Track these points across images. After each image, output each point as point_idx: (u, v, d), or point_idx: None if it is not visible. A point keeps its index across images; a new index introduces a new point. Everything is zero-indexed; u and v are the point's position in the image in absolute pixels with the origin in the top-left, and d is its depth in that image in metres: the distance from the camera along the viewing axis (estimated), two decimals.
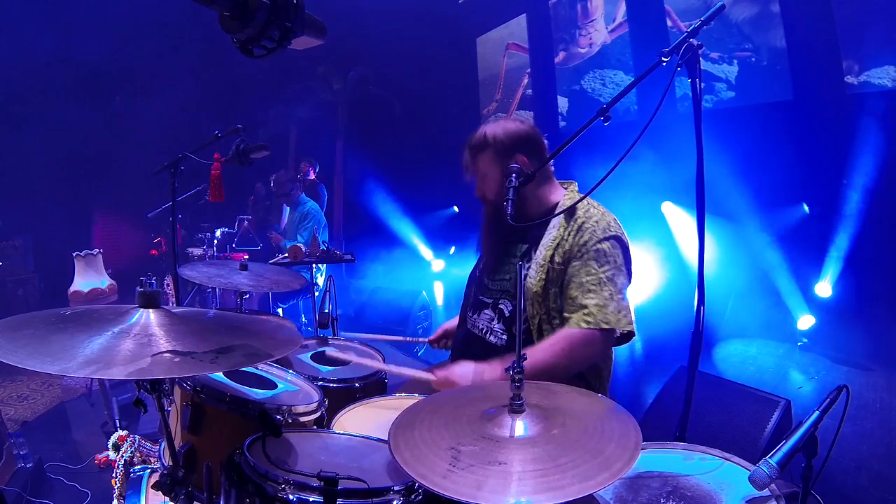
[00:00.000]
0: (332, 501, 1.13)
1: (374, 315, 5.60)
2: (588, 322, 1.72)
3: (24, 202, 6.75)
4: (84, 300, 4.13)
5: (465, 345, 2.03)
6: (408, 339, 2.53)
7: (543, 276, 1.81)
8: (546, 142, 1.97)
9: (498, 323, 1.92)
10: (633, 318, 1.77)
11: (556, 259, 1.80)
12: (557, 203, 1.93)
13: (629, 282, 1.83)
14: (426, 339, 2.40)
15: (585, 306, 1.73)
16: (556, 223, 1.86)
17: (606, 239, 1.78)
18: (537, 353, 1.69)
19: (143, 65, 7.07)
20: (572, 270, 1.78)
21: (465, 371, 1.75)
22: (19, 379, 4.53)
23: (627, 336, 1.80)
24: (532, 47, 6.30)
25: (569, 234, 1.81)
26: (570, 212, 1.85)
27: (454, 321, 2.29)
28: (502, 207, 1.77)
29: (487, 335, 1.94)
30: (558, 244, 1.81)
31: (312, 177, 6.32)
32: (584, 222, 1.82)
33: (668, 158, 3.68)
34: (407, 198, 7.21)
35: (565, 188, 2.00)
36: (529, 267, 1.85)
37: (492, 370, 1.72)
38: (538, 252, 1.85)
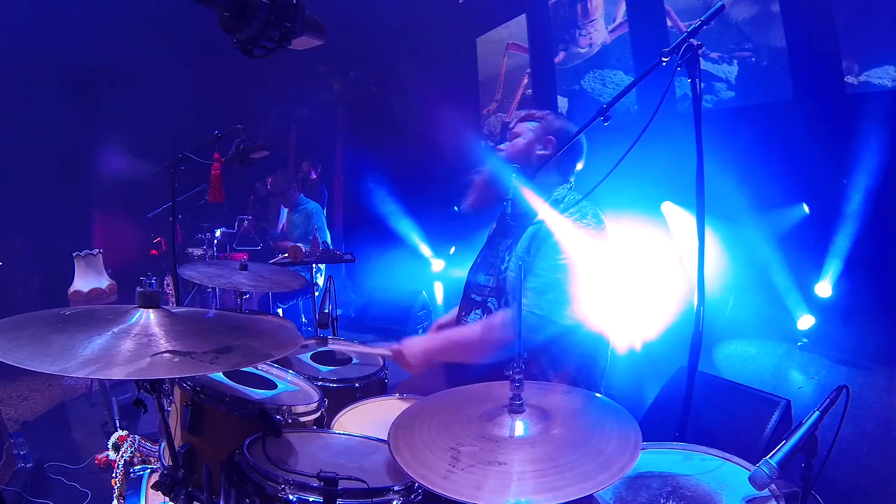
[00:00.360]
0: (331, 501, 1.13)
1: (374, 315, 5.60)
2: (524, 304, 1.70)
3: (24, 202, 6.74)
4: (84, 300, 4.13)
5: None
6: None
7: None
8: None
9: None
10: (587, 313, 1.75)
11: (532, 250, 1.81)
12: (550, 198, 1.93)
13: (600, 278, 1.79)
14: None
15: (527, 289, 1.73)
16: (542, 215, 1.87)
17: (579, 228, 1.78)
18: (458, 330, 1.82)
19: (143, 64, 7.06)
20: (538, 255, 1.79)
21: (410, 343, 1.91)
22: (19, 379, 4.52)
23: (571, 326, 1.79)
24: (532, 47, 6.30)
25: (546, 225, 1.82)
26: (555, 202, 1.87)
27: (447, 317, 2.31)
28: (495, 199, 1.85)
29: None
30: (534, 234, 1.82)
31: (314, 177, 6.30)
32: (564, 212, 1.82)
33: (668, 158, 3.68)
34: (407, 198, 7.20)
35: (564, 185, 2.00)
36: (510, 260, 1.86)
37: (423, 340, 1.94)
38: (518, 245, 1.86)
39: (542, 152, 1.94)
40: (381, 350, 1.98)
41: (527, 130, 1.99)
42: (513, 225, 1.89)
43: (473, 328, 1.87)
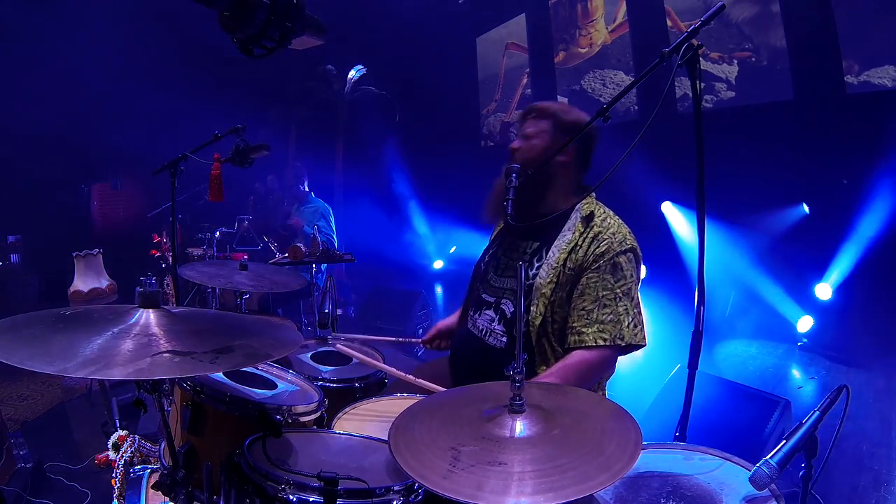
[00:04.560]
0: (332, 501, 1.13)
1: (374, 315, 5.60)
2: (604, 339, 1.71)
3: (23, 201, 6.75)
4: (84, 300, 4.13)
5: (465, 345, 2.01)
6: (400, 339, 2.52)
7: (554, 279, 1.79)
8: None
9: (499, 324, 1.88)
10: (646, 331, 1.79)
11: (569, 264, 1.79)
12: (573, 205, 1.88)
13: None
14: (419, 340, 2.36)
15: (602, 321, 1.73)
16: (572, 226, 1.84)
17: (623, 252, 1.77)
18: (550, 378, 1.69)
19: (143, 64, 7.07)
20: (587, 281, 1.76)
21: None
22: (19, 379, 4.52)
23: (637, 346, 1.80)
24: (532, 47, 6.30)
25: (583, 241, 1.80)
26: (587, 218, 1.83)
27: (449, 320, 2.28)
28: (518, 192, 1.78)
29: (487, 337, 1.91)
30: (572, 249, 1.80)
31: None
32: (600, 232, 1.80)
33: (668, 158, 3.68)
34: (407, 197, 7.22)
35: (585, 192, 1.93)
36: (540, 266, 1.82)
37: None
38: (551, 253, 1.83)
39: (562, 157, 1.84)
40: (434, 386, 1.81)
41: (541, 131, 1.89)
42: (530, 225, 1.85)
43: (555, 375, 1.72)
